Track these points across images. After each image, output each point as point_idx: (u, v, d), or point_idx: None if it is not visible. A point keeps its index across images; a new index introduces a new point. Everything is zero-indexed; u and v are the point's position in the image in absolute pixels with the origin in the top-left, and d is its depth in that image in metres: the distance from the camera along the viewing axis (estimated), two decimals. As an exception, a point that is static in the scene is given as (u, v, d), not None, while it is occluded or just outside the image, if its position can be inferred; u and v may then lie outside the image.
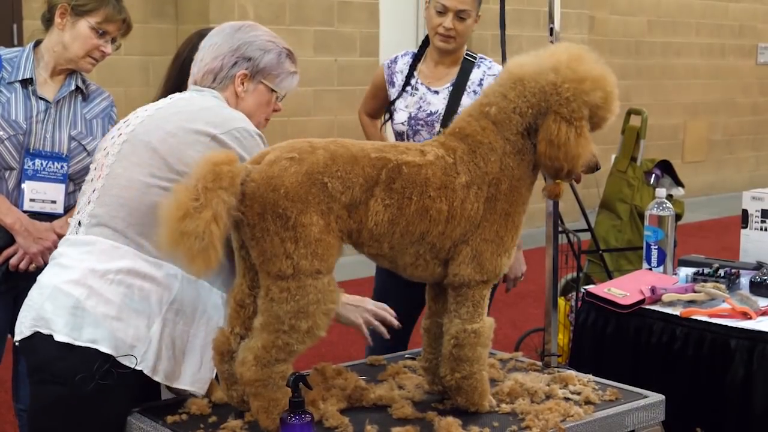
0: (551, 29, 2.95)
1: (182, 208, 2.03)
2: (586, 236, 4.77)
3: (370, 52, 7.83)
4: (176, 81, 3.04)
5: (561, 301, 4.34)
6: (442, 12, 3.34)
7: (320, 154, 2.16)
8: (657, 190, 3.52)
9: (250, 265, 2.22)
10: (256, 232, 2.12)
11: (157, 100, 3.10)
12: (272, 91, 2.48)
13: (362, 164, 2.19)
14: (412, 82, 3.48)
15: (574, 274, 4.69)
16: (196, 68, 2.49)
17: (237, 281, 2.30)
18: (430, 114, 3.40)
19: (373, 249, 2.25)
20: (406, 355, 2.90)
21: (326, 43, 7.50)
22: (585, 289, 3.36)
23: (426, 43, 3.51)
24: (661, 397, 2.54)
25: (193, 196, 2.04)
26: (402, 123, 3.45)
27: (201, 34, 3.12)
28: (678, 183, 5.04)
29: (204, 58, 2.48)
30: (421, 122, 3.41)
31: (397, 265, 2.32)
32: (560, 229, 3.26)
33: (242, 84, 2.43)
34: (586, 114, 2.26)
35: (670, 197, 4.52)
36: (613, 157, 5.17)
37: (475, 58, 3.45)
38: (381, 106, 3.63)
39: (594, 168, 2.39)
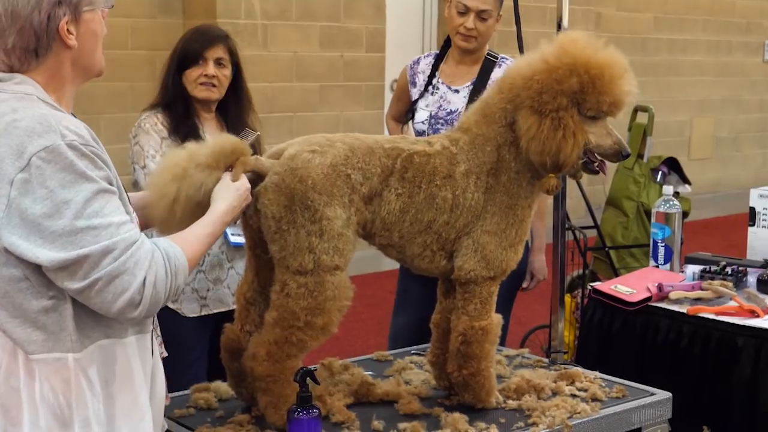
0: (559, 25, 2.94)
1: (171, 168, 2.07)
2: (592, 233, 4.76)
3: (377, 47, 7.81)
4: (174, 77, 3.07)
5: (567, 298, 4.33)
6: (464, 12, 3.31)
7: (339, 147, 2.18)
8: (664, 187, 3.51)
9: (265, 262, 2.22)
10: (282, 224, 2.12)
11: (158, 95, 3.13)
12: (97, 9, 1.85)
13: (378, 155, 2.21)
14: (434, 81, 3.47)
15: (580, 271, 4.68)
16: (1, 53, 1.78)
17: (248, 279, 2.31)
18: (450, 113, 3.38)
19: (384, 239, 2.27)
20: (413, 351, 2.90)
21: (332, 38, 7.49)
22: (592, 286, 3.36)
23: (448, 43, 3.50)
24: (668, 394, 2.54)
25: (184, 163, 2.07)
26: (422, 122, 3.44)
27: (200, 31, 3.15)
28: (685, 180, 5.02)
29: (3, 37, 1.76)
30: (441, 121, 3.40)
31: (405, 255, 2.33)
32: (566, 225, 3.25)
33: (69, 33, 1.79)
34: (564, 103, 2.23)
35: (676, 194, 4.51)
36: (620, 154, 5.15)
37: (496, 58, 3.43)
38: (406, 109, 3.61)
39: (619, 154, 2.34)
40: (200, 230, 1.94)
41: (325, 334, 2.17)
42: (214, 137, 2.17)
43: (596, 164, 2.35)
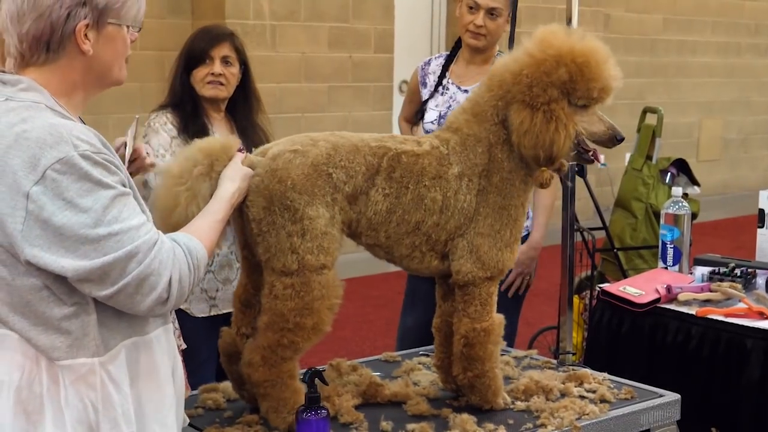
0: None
1: (171, 197, 2.05)
2: (600, 234, 4.76)
3: (385, 48, 7.82)
4: (181, 77, 3.08)
5: (575, 299, 4.32)
6: (474, 9, 3.34)
7: (322, 146, 2.17)
8: (673, 188, 3.50)
9: (255, 265, 2.22)
10: (262, 226, 2.12)
11: (167, 96, 3.13)
12: (124, 26, 1.84)
13: (363, 153, 2.20)
14: (444, 82, 3.49)
15: (589, 272, 4.68)
16: (11, 40, 1.78)
17: (241, 281, 2.31)
18: None
19: (370, 239, 2.26)
20: (421, 352, 2.90)
21: (341, 39, 7.50)
22: (600, 287, 3.35)
23: (459, 44, 3.52)
24: (676, 396, 2.53)
25: (180, 182, 2.06)
26: (432, 122, 3.45)
27: (205, 30, 3.16)
28: (694, 182, 5.02)
29: (21, 21, 1.75)
30: None
31: (393, 256, 2.32)
32: (575, 227, 3.25)
33: (86, 38, 1.78)
34: (555, 95, 2.23)
35: (685, 196, 4.50)
36: (629, 155, 5.14)
37: None
38: (417, 111, 3.62)
39: (614, 139, 2.32)
40: (212, 217, 1.97)
41: (316, 335, 2.16)
42: (198, 143, 2.16)
43: (590, 153, 2.35)
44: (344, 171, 2.16)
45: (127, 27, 1.84)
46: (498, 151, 2.29)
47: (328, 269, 2.15)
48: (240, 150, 2.15)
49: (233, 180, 2.07)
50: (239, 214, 2.16)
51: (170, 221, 2.04)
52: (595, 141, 2.33)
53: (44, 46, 1.76)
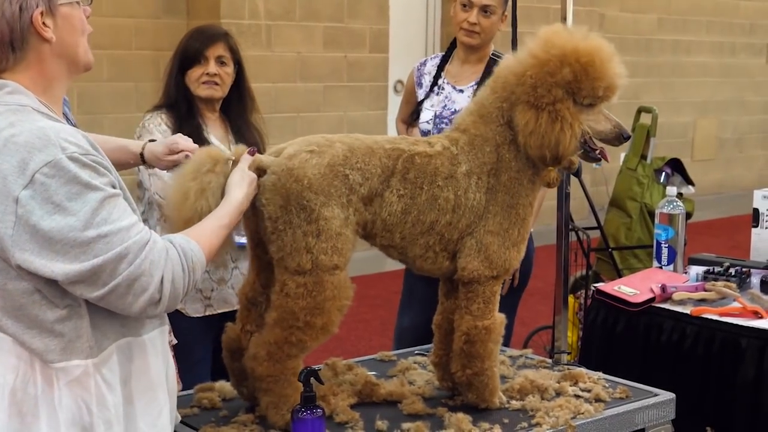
0: (563, 26, 2.94)
1: (181, 193, 2.07)
2: (595, 234, 4.76)
3: (380, 48, 7.82)
4: (176, 78, 3.08)
5: (570, 298, 4.33)
6: (467, 7, 3.35)
7: (338, 147, 2.18)
8: (667, 188, 3.51)
9: (265, 263, 2.23)
10: (278, 225, 2.12)
11: (162, 96, 3.13)
12: (76, 3, 1.82)
13: (378, 155, 2.21)
14: (439, 82, 3.50)
15: (584, 272, 4.69)
16: None
17: (250, 279, 2.31)
18: (455, 112, 3.39)
19: (385, 240, 2.27)
20: (416, 351, 2.91)
21: (336, 39, 7.50)
22: (595, 287, 3.36)
23: (454, 44, 3.53)
24: (671, 395, 2.54)
25: (191, 178, 2.08)
26: (427, 122, 3.46)
27: (199, 30, 3.16)
28: (688, 181, 5.03)
29: None
30: (445, 120, 3.41)
31: (407, 256, 2.33)
32: (570, 226, 3.25)
33: (45, 26, 1.76)
34: (560, 95, 2.23)
35: (680, 195, 4.51)
36: (623, 155, 5.16)
37: (501, 58, 3.44)
38: (413, 111, 3.63)
39: (621, 137, 2.33)
40: (216, 222, 1.96)
41: (325, 334, 2.17)
42: (207, 149, 2.19)
43: (597, 152, 2.35)
44: (360, 173, 2.17)
45: (78, 3, 1.81)
46: (505, 150, 2.29)
47: (340, 270, 2.16)
48: (251, 152, 2.15)
49: (240, 186, 2.06)
50: (253, 213, 2.16)
51: (181, 215, 2.05)
52: (601, 139, 2.34)
53: (9, 47, 1.74)
